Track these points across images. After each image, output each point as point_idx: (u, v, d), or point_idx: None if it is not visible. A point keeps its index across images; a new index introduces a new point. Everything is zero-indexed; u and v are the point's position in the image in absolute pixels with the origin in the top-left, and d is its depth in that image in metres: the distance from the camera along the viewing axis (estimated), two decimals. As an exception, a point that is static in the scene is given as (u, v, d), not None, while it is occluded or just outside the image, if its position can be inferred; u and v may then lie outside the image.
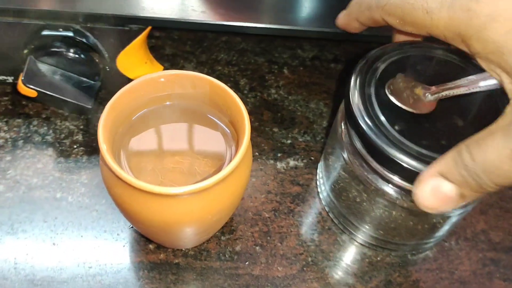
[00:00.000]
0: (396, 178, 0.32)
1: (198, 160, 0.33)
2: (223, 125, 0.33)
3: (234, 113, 0.32)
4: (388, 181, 0.32)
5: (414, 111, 0.32)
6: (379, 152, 0.30)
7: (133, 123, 0.32)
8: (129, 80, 0.41)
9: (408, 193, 0.32)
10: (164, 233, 0.32)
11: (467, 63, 0.34)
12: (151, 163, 0.32)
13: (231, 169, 0.28)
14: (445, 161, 0.27)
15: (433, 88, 0.32)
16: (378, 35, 0.40)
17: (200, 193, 0.28)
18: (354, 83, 0.33)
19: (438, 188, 0.27)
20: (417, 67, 0.34)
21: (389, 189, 0.33)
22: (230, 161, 0.32)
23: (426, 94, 0.32)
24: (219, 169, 0.33)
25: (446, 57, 0.34)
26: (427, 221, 0.34)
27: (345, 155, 0.35)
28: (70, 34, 0.38)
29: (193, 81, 0.32)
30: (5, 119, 0.43)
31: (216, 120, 0.34)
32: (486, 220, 0.41)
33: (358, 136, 0.32)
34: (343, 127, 0.36)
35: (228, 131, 0.33)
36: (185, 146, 0.33)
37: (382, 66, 0.33)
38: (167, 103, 0.33)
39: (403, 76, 0.33)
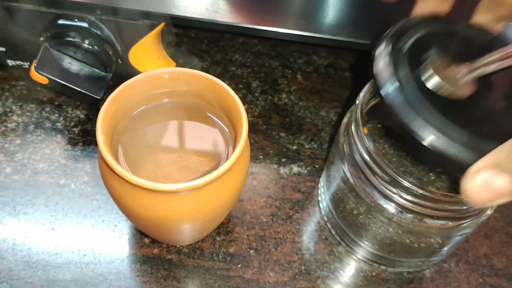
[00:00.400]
0: (395, 195, 0.31)
1: (196, 157, 0.33)
2: (222, 124, 0.33)
3: (234, 112, 0.31)
4: (387, 196, 0.32)
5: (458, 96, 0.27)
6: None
7: (133, 118, 0.33)
8: (141, 74, 0.42)
9: (406, 210, 0.32)
10: (156, 229, 0.32)
11: (494, 40, 0.31)
12: (149, 159, 0.32)
13: (225, 169, 0.28)
14: (502, 152, 0.25)
15: (465, 66, 0.28)
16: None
17: (193, 191, 0.28)
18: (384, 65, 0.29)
19: (490, 181, 0.25)
20: (448, 44, 0.30)
21: (387, 205, 0.32)
22: (227, 159, 0.32)
23: (460, 74, 0.28)
24: (217, 166, 0.33)
25: (473, 34, 0.31)
26: (424, 240, 0.34)
27: (345, 167, 0.35)
28: (85, 25, 0.38)
29: (196, 80, 0.32)
30: (19, 103, 0.44)
31: (215, 118, 0.34)
32: (491, 244, 0.40)
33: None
34: (344, 138, 0.35)
35: (227, 130, 0.33)
36: (183, 144, 0.33)
37: (408, 44, 0.29)
38: (168, 99, 0.33)
39: (438, 56, 0.29)
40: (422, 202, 0.30)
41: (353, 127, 0.33)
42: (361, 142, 0.32)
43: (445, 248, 0.35)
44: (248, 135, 0.31)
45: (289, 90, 0.47)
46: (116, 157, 0.31)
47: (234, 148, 0.31)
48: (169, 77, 0.32)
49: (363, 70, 0.50)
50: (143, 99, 0.33)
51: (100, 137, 0.29)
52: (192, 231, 0.33)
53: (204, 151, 0.33)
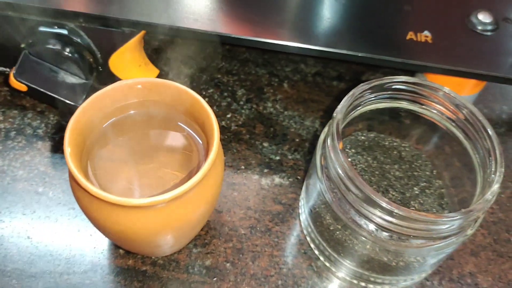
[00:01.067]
0: (371, 213, 0.30)
1: (170, 169, 0.32)
2: (195, 135, 0.33)
3: (206, 123, 0.31)
4: (363, 214, 0.31)
5: None
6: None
7: (105, 129, 0.32)
8: (122, 82, 0.41)
9: (383, 229, 0.31)
10: (127, 242, 0.32)
11: None
12: (122, 173, 0.32)
13: (195, 182, 0.27)
14: None
15: None
16: (378, 58, 0.39)
17: (162, 204, 0.27)
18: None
19: None
20: None
21: (363, 223, 0.32)
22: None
23: None
24: (189, 179, 0.32)
25: None
26: (402, 258, 0.33)
27: (321, 182, 0.34)
28: (65, 32, 0.38)
29: (169, 90, 0.32)
30: (2, 109, 0.44)
31: (188, 129, 0.33)
32: (476, 262, 0.39)
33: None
34: (322, 151, 0.34)
35: (200, 141, 0.33)
36: (156, 155, 0.33)
37: None
38: (141, 110, 0.33)
39: None
40: (398, 221, 0.30)
41: (329, 141, 0.32)
42: (337, 157, 0.31)
43: (425, 267, 0.34)
44: (221, 143, 0.30)
45: (275, 99, 0.47)
46: (86, 170, 0.31)
47: (207, 153, 0.31)
48: (142, 87, 0.32)
49: (351, 79, 0.49)
50: (115, 109, 0.32)
51: (67, 149, 0.28)
52: (165, 244, 0.33)
53: (178, 163, 0.32)
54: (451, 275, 0.38)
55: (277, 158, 0.43)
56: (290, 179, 0.41)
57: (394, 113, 0.38)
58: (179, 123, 0.33)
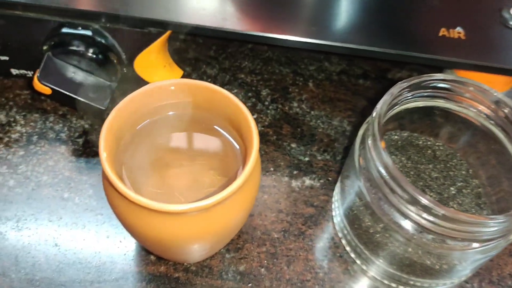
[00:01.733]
0: (415, 214, 0.29)
1: (205, 172, 0.31)
2: (230, 138, 0.32)
3: (243, 126, 0.30)
4: (406, 215, 0.30)
5: None
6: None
7: (138, 132, 0.31)
8: (146, 83, 0.40)
9: (427, 230, 0.30)
10: (163, 248, 0.31)
11: None
12: (155, 176, 0.31)
13: (235, 188, 0.26)
14: None
15: None
16: (410, 55, 0.38)
17: (201, 211, 0.26)
18: None
19: None
20: None
21: (406, 224, 0.31)
22: (237, 176, 0.30)
23: None
24: (226, 184, 0.31)
25: None
26: (446, 261, 0.32)
27: (361, 183, 0.33)
28: (89, 33, 0.37)
29: (203, 91, 0.31)
30: (23, 113, 0.42)
31: (224, 132, 0.32)
32: (514, 262, 0.38)
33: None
34: (360, 151, 0.34)
35: (236, 144, 0.32)
36: (191, 158, 0.32)
37: None
38: (174, 112, 0.32)
39: None
40: (443, 223, 0.29)
41: (370, 141, 0.31)
42: (379, 157, 0.30)
43: (467, 270, 0.33)
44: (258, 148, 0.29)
45: (301, 99, 0.46)
46: (120, 174, 0.30)
47: (244, 163, 0.30)
48: (175, 89, 0.31)
49: (377, 77, 0.48)
50: (147, 112, 0.31)
51: (103, 154, 0.27)
52: (201, 251, 0.32)
53: (213, 166, 0.31)
54: (491, 277, 0.37)
55: (306, 159, 0.42)
56: (321, 181, 0.40)
57: (427, 111, 0.37)
58: (215, 126, 0.32)
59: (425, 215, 0.29)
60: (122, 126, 0.29)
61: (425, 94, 0.34)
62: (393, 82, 0.48)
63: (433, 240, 0.30)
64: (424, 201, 0.28)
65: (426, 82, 0.33)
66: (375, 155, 0.30)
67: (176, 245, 0.29)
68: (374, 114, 0.32)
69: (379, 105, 0.32)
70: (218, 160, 0.32)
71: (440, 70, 0.47)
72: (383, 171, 0.30)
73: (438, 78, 0.33)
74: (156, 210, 0.26)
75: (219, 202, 0.26)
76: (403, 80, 0.33)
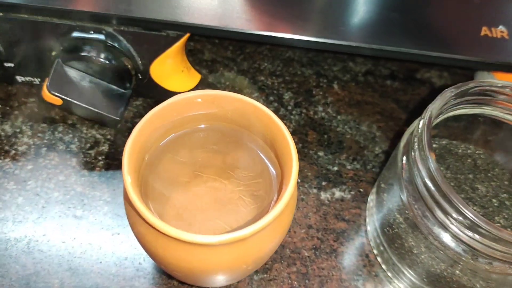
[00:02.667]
0: (467, 236, 0.27)
1: (235, 195, 0.29)
2: (262, 155, 0.29)
3: (279, 143, 0.27)
4: (455, 236, 0.27)
5: None
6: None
7: (162, 148, 0.28)
8: (163, 90, 0.38)
9: (480, 254, 0.27)
10: (190, 277, 0.28)
11: None
12: (179, 197, 0.28)
13: (273, 217, 0.24)
14: None
15: None
16: (443, 56, 0.35)
17: (235, 243, 0.24)
18: None
19: None
20: None
21: (455, 245, 0.28)
22: (271, 202, 0.27)
23: None
24: (261, 207, 0.28)
25: None
26: (498, 285, 0.29)
27: (404, 197, 0.30)
28: (102, 37, 0.34)
29: (234, 104, 0.28)
30: (29, 123, 0.40)
31: (255, 148, 0.29)
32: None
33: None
34: (404, 161, 0.31)
35: (269, 162, 0.29)
36: (219, 178, 0.29)
37: None
38: (200, 126, 0.29)
39: None
40: (499, 246, 0.26)
41: (416, 152, 0.28)
42: (427, 171, 0.27)
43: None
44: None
45: (326, 102, 0.43)
46: (144, 197, 0.27)
47: (280, 184, 0.27)
48: (202, 101, 0.28)
49: (405, 78, 0.45)
50: (172, 126, 0.28)
51: (128, 178, 0.24)
52: (231, 279, 0.29)
53: (244, 187, 0.29)
54: (537, 295, 0.34)
55: (335, 168, 0.39)
56: (352, 192, 0.38)
57: (468, 118, 0.34)
58: (246, 141, 0.29)
59: (476, 236, 0.26)
60: (145, 144, 0.27)
61: (471, 101, 0.32)
62: (421, 82, 0.45)
63: (484, 263, 0.28)
64: (477, 220, 0.25)
65: (474, 89, 0.30)
66: (423, 168, 0.28)
67: (206, 275, 0.27)
68: (421, 124, 0.29)
69: (426, 114, 0.29)
70: (247, 180, 0.29)
71: (472, 70, 0.44)
72: (431, 185, 0.27)
73: (487, 84, 0.31)
74: (186, 241, 0.23)
75: (256, 232, 0.24)
76: (450, 87, 0.30)
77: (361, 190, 0.38)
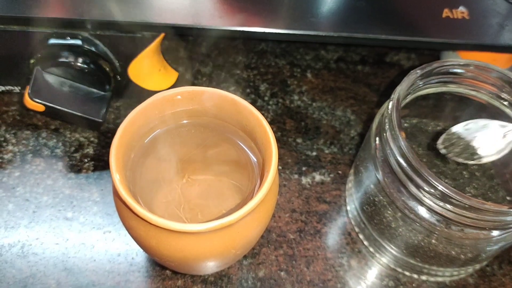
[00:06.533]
0: (439, 206, 0.28)
1: (220, 184, 0.30)
2: (243, 145, 0.30)
3: (258, 133, 0.28)
4: (429, 207, 0.29)
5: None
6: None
7: (147, 145, 0.30)
8: (142, 90, 0.39)
9: (453, 222, 0.29)
10: (183, 266, 0.30)
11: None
12: (167, 190, 0.29)
13: (256, 203, 0.25)
14: None
15: None
16: (409, 40, 0.37)
17: (223, 229, 0.25)
18: None
19: None
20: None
21: (429, 216, 0.30)
22: (254, 189, 0.29)
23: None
24: (244, 194, 0.30)
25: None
26: (470, 250, 0.31)
27: (379, 175, 0.32)
28: (78, 42, 0.35)
29: (212, 98, 0.29)
30: (13, 131, 0.40)
31: (236, 139, 0.31)
32: (530, 239, 0.37)
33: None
34: (377, 141, 0.33)
35: (250, 151, 0.30)
36: (204, 169, 0.30)
37: None
38: (183, 122, 0.30)
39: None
40: (466, 212, 0.28)
41: (388, 133, 0.30)
42: (398, 148, 0.29)
43: (491, 256, 0.33)
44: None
45: (301, 91, 0.44)
46: (132, 193, 0.28)
47: (262, 171, 0.28)
48: (182, 98, 0.29)
49: (375, 62, 0.47)
50: (155, 124, 0.30)
51: (116, 176, 0.25)
52: (221, 264, 0.31)
53: (228, 177, 0.30)
54: (510, 258, 0.37)
55: (314, 153, 0.41)
56: (331, 175, 0.40)
57: (436, 97, 0.36)
58: (227, 134, 0.30)
59: (448, 206, 0.28)
60: (130, 143, 0.28)
61: (436, 80, 0.33)
62: (391, 65, 0.47)
63: (457, 230, 0.30)
64: (447, 191, 0.27)
65: (438, 69, 0.32)
66: (394, 146, 0.29)
67: (197, 262, 0.28)
68: (390, 105, 0.30)
69: (395, 95, 0.31)
70: (231, 169, 0.30)
71: (438, 51, 0.46)
72: (403, 162, 0.29)
73: (450, 63, 0.32)
74: (176, 230, 0.24)
75: (242, 218, 0.25)
76: (416, 69, 0.32)
77: (340, 172, 0.40)
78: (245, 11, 0.37)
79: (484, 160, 0.31)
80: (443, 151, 0.32)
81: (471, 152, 0.31)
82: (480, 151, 0.31)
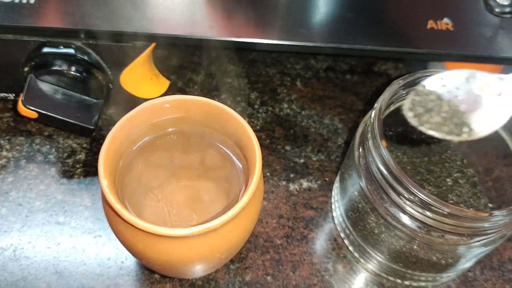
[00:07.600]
0: (419, 214, 0.29)
1: (207, 190, 0.31)
2: (229, 152, 0.31)
3: (245, 143, 0.29)
4: (409, 214, 0.30)
5: None
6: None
7: (135, 152, 0.30)
8: (134, 97, 0.39)
9: (433, 229, 0.30)
10: (170, 269, 0.30)
11: None
12: (155, 196, 0.30)
13: (241, 206, 0.26)
14: None
15: None
16: (395, 50, 0.38)
17: (207, 233, 0.26)
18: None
19: None
20: None
21: (410, 223, 0.31)
22: (239, 194, 0.30)
23: None
24: (230, 199, 0.31)
25: None
26: (451, 256, 0.32)
27: (362, 183, 0.33)
28: (71, 51, 0.36)
29: (199, 107, 0.30)
30: (7, 137, 0.41)
31: (223, 147, 0.32)
32: (513, 247, 0.38)
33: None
34: (360, 150, 0.34)
35: (236, 158, 0.31)
36: (191, 176, 0.31)
37: None
38: (171, 129, 0.31)
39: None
40: (446, 219, 0.29)
41: (370, 141, 0.31)
42: (380, 157, 0.30)
43: (472, 261, 0.34)
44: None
45: (290, 99, 0.45)
46: (120, 199, 0.29)
47: (247, 177, 0.29)
48: (170, 106, 0.30)
49: (363, 71, 0.48)
50: (143, 132, 0.30)
51: (104, 182, 0.26)
52: (207, 268, 0.31)
53: (214, 183, 0.31)
54: (491, 264, 0.37)
55: (302, 161, 0.42)
56: (318, 182, 0.40)
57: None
58: (214, 141, 0.31)
59: (428, 213, 0.29)
60: (119, 149, 0.29)
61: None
62: (379, 74, 0.48)
63: (438, 236, 0.31)
64: (427, 199, 0.28)
65: (420, 78, 0.33)
66: (376, 155, 0.30)
67: (184, 266, 0.29)
68: (372, 114, 0.31)
69: (377, 105, 0.32)
70: (216, 176, 0.31)
71: (424, 61, 0.47)
72: (384, 170, 0.30)
73: (432, 73, 0.33)
74: (162, 235, 0.25)
75: (226, 222, 0.26)
76: (398, 79, 0.33)
77: (327, 179, 0.41)
78: (236, 22, 0.38)
79: (475, 136, 0.22)
80: (413, 121, 0.24)
81: (456, 122, 0.23)
82: (470, 120, 0.22)
